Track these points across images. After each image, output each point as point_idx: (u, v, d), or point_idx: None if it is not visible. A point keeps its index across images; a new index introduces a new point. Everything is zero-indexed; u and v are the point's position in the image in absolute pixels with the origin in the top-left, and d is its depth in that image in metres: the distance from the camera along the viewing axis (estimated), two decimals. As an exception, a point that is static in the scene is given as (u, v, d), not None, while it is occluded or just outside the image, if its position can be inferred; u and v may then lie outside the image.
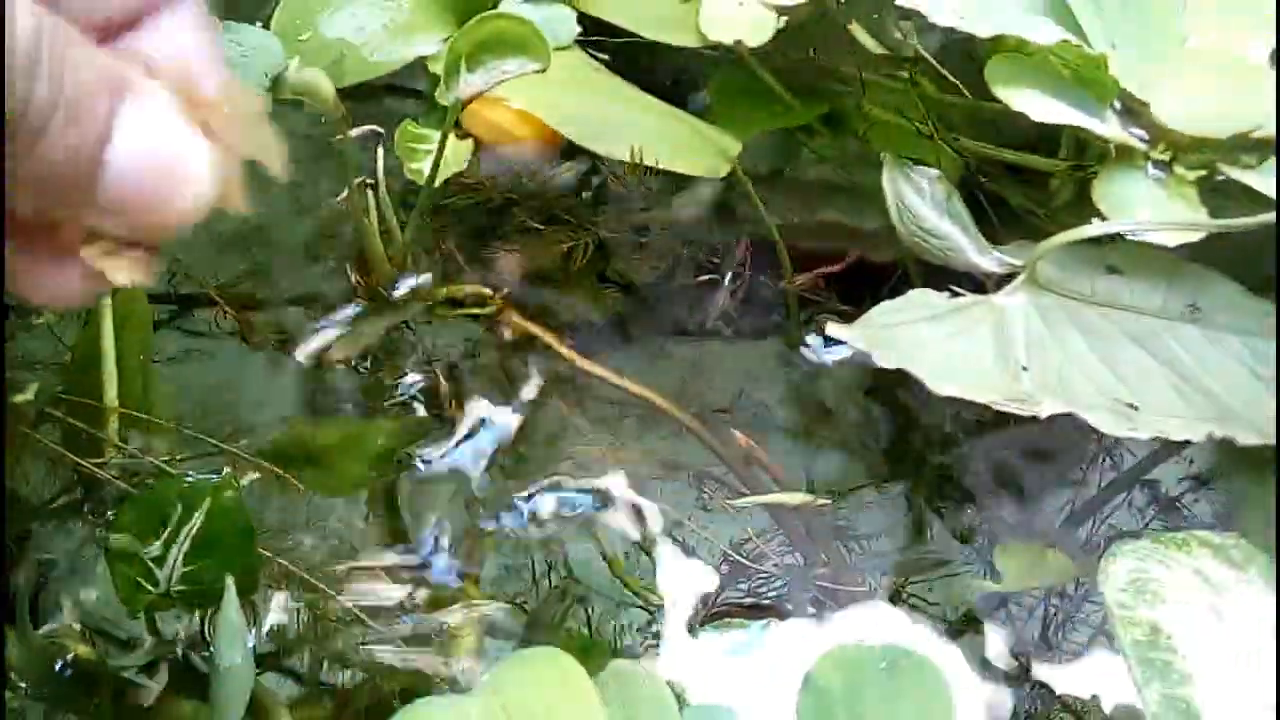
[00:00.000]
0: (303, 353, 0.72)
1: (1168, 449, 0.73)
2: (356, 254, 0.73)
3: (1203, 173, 0.75)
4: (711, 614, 0.61)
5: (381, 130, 0.74)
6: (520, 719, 0.50)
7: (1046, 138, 0.81)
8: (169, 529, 0.60)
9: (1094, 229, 0.69)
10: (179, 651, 0.64)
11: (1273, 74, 0.75)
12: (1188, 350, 0.69)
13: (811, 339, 0.74)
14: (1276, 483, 0.62)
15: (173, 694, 0.63)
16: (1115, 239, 0.74)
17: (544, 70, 0.66)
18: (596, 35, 0.85)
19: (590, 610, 0.64)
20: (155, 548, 0.60)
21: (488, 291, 0.73)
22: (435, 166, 0.68)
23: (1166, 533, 0.53)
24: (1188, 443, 0.68)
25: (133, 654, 0.63)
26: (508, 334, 0.73)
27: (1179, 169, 0.75)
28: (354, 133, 0.68)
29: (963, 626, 0.63)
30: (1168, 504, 0.71)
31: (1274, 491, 0.57)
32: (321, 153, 0.82)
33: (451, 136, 0.79)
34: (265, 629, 0.64)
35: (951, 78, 0.84)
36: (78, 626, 0.63)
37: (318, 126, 0.83)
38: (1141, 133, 0.77)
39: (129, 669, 0.62)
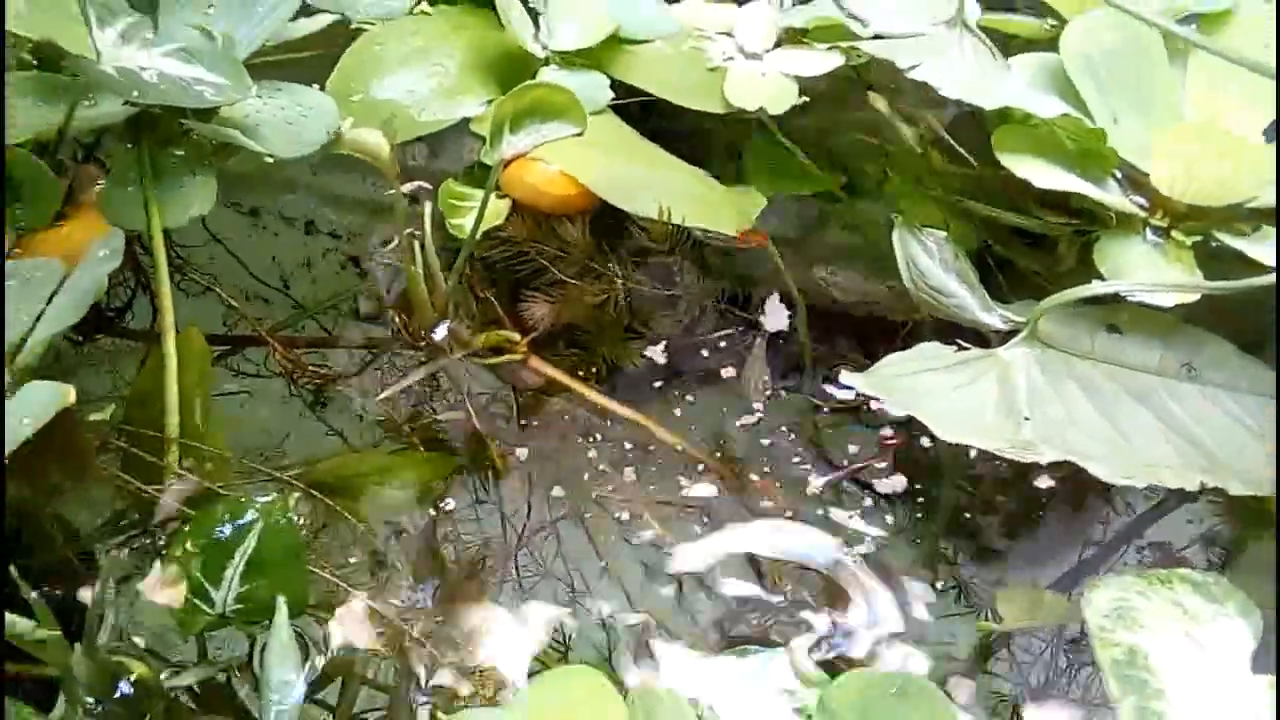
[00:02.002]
0: (347, 390, 0.77)
1: (1170, 503, 0.76)
2: (401, 299, 0.78)
3: (1199, 239, 0.79)
4: (729, 641, 0.65)
5: (429, 186, 0.79)
6: (553, 729, 0.54)
7: (1053, 206, 0.86)
8: (224, 551, 0.64)
9: (1094, 288, 0.73)
10: (225, 676, 0.68)
11: (1270, 149, 0.80)
12: (1183, 406, 0.74)
13: (829, 387, 0.78)
14: (1277, 502, 0.65)
15: (215, 717, 0.66)
16: (1115, 300, 0.79)
17: (581, 134, 0.71)
18: (628, 99, 0.90)
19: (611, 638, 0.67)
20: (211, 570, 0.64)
21: (517, 337, 0.78)
22: (478, 220, 0.73)
23: (1151, 570, 0.57)
24: (1191, 498, 0.73)
25: (183, 675, 0.66)
26: (535, 379, 0.77)
27: (1176, 235, 0.80)
28: (405, 188, 0.73)
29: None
30: (1169, 557, 0.74)
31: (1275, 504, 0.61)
32: (369, 208, 0.88)
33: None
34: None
35: (960, 148, 0.89)
36: (140, 644, 0.66)
37: (366, 184, 0.90)
38: (1141, 200, 0.82)
39: (178, 690, 0.66)
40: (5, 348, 0.69)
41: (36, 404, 0.65)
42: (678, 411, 0.79)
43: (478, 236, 0.78)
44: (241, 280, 0.87)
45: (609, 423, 0.77)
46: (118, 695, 0.61)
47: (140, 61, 0.79)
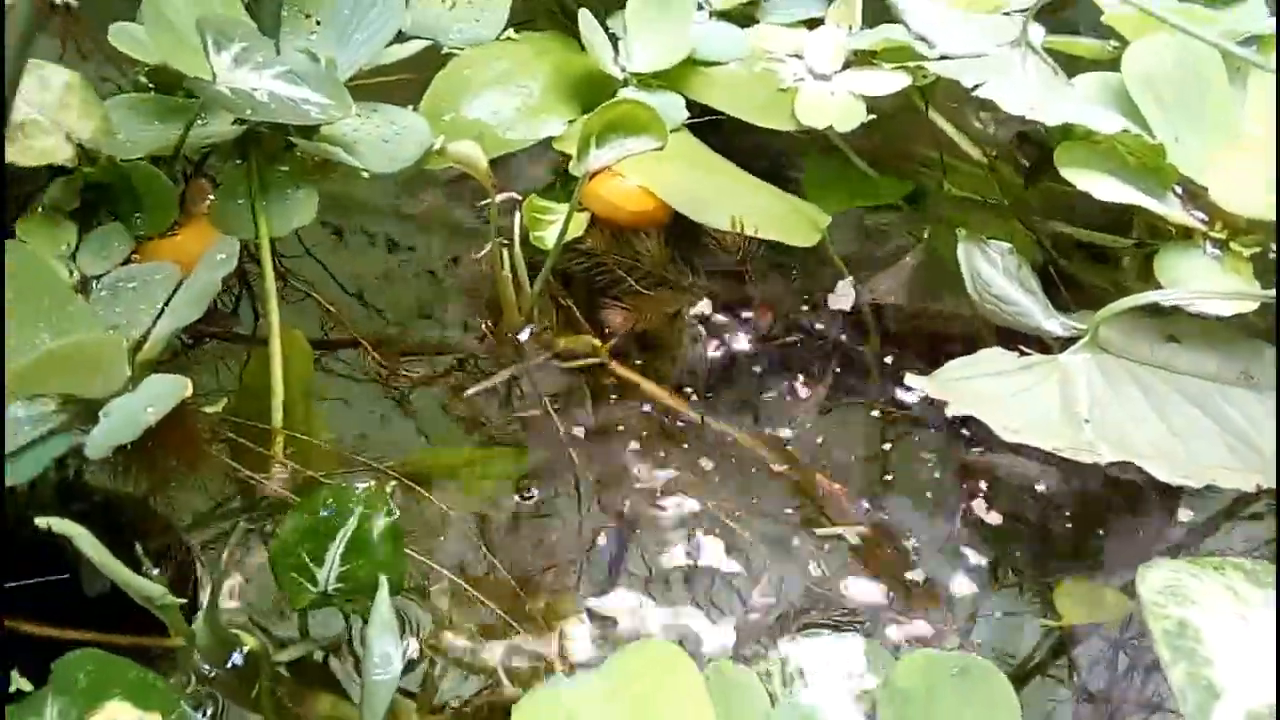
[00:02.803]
0: (435, 391, 0.82)
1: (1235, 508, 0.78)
2: (490, 304, 0.83)
3: (1257, 250, 0.82)
4: (803, 624, 0.69)
5: (520, 197, 0.84)
6: (634, 699, 0.58)
7: (1117, 222, 0.88)
8: (326, 532, 0.69)
9: (1153, 295, 0.76)
10: (324, 654, 0.72)
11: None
12: (1240, 411, 0.76)
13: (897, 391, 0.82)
14: (1277, 503, 0.67)
15: (315, 690, 0.71)
16: (1174, 312, 0.81)
17: (662, 148, 0.76)
18: (702, 117, 0.95)
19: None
20: (314, 549, 0.68)
21: (597, 342, 0.82)
22: (564, 229, 0.77)
23: (1205, 557, 0.59)
24: (1252, 501, 0.75)
25: (288, 650, 0.71)
26: (613, 380, 0.82)
27: (1235, 247, 0.82)
28: (498, 198, 0.78)
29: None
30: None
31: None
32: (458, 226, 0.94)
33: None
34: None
35: (1026, 163, 0.92)
36: (252, 622, 0.71)
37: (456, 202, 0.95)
38: (1201, 214, 0.85)
39: (282, 665, 0.71)
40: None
41: (158, 395, 0.71)
42: (747, 415, 0.83)
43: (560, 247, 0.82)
44: (336, 293, 0.92)
45: (682, 426, 0.81)
46: (230, 665, 0.66)
47: (252, 83, 0.85)
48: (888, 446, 0.80)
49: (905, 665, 0.60)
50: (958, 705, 0.58)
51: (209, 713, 0.66)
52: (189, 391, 0.72)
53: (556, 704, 0.57)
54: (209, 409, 0.77)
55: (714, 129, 0.96)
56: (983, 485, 0.77)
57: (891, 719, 0.59)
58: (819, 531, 0.74)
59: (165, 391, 0.71)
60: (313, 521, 0.69)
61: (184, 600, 0.64)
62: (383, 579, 0.65)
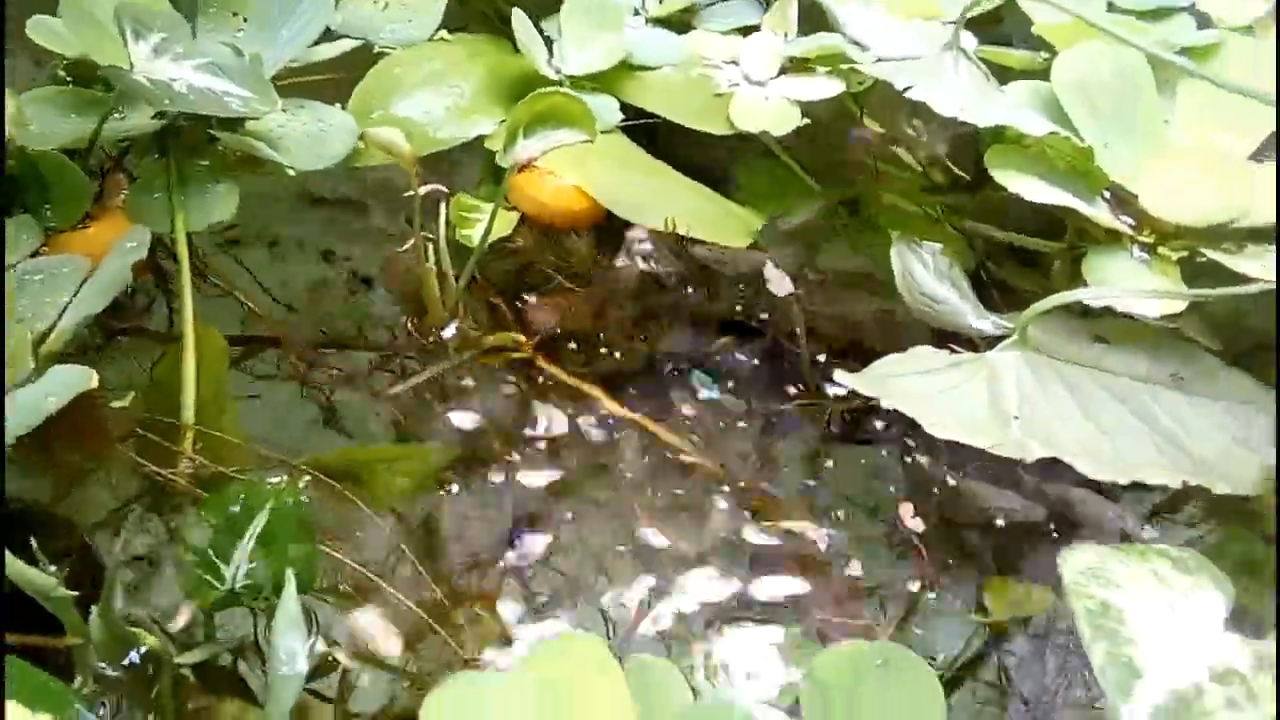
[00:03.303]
0: (358, 390, 0.80)
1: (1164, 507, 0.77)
2: (414, 300, 0.81)
3: (1184, 254, 0.82)
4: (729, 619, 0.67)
5: (446, 190, 0.82)
6: (554, 693, 0.55)
7: (1049, 230, 0.88)
8: (235, 529, 0.66)
9: (1080, 293, 0.76)
10: (232, 657, 0.69)
11: (1261, 170, 0.83)
12: (1168, 412, 0.76)
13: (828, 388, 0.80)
14: (1277, 508, 0.66)
15: (222, 693, 0.68)
16: (1103, 313, 0.81)
17: (591, 141, 0.75)
18: (638, 120, 0.94)
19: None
20: (222, 546, 0.66)
21: (523, 339, 0.81)
22: (490, 222, 0.76)
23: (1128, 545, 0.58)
24: (1181, 502, 0.75)
25: (191, 652, 0.68)
26: (540, 377, 0.80)
27: (1163, 251, 0.82)
28: (422, 190, 0.76)
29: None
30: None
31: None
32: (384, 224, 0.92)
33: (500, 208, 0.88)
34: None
35: (958, 170, 0.93)
36: (152, 620, 0.68)
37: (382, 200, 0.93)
38: (1130, 220, 0.85)
39: (186, 666, 0.68)
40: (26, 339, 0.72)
41: (60, 385, 0.68)
42: (677, 414, 0.81)
43: (488, 243, 0.81)
44: (257, 291, 0.89)
45: (611, 422, 0.79)
46: (128, 663, 0.63)
47: (171, 73, 0.83)
48: (818, 445, 0.79)
49: (827, 657, 0.59)
50: (881, 696, 0.57)
51: (104, 714, 0.63)
52: (94, 383, 0.69)
53: (468, 699, 0.55)
54: (117, 404, 0.75)
55: (650, 134, 0.96)
56: (916, 485, 0.76)
57: (814, 712, 0.58)
58: (747, 528, 0.73)
59: (67, 381, 0.68)
60: (221, 517, 0.67)
61: (78, 594, 0.61)
62: (289, 574, 0.63)
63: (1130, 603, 0.51)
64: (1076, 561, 0.54)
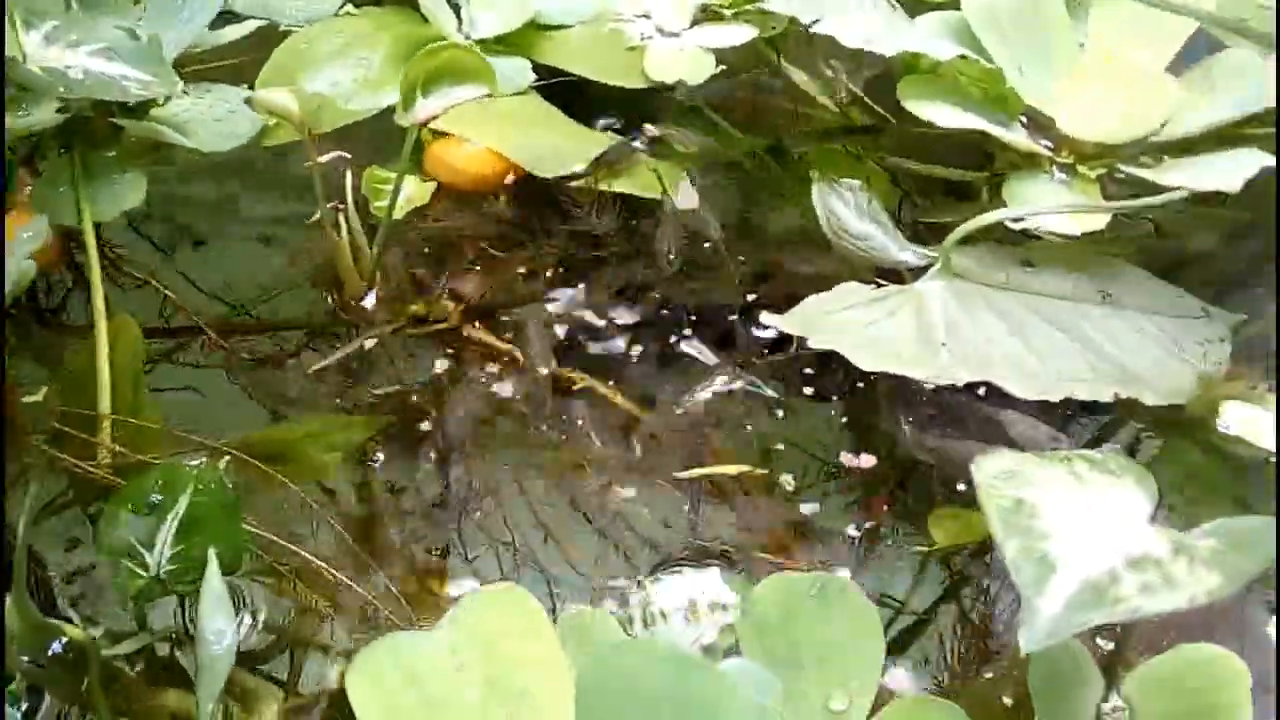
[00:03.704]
0: (281, 366, 0.78)
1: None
2: (328, 270, 0.80)
3: (1104, 172, 0.82)
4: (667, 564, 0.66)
5: (349, 155, 0.80)
6: (481, 648, 0.54)
7: (974, 162, 0.88)
8: (156, 514, 0.64)
9: (999, 213, 0.75)
10: (167, 648, 0.68)
11: (1169, 79, 0.83)
12: (1097, 328, 0.75)
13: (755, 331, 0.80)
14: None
15: (158, 684, 0.66)
16: (1027, 238, 0.81)
17: (491, 95, 0.73)
18: (551, 79, 0.93)
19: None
20: (144, 533, 0.64)
21: (449, 305, 0.79)
22: (398, 186, 0.75)
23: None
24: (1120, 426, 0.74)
25: (122, 643, 0.66)
26: (467, 344, 0.79)
27: (1082, 170, 0.82)
28: (322, 159, 0.74)
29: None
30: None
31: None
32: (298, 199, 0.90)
33: (415, 178, 0.87)
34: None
35: (878, 108, 0.92)
36: (72, 613, 0.67)
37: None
38: (1048, 143, 0.84)
39: (118, 657, 0.66)
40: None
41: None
42: (612, 373, 0.80)
43: (404, 212, 0.79)
44: (176, 280, 0.87)
45: (538, 384, 0.78)
46: (51, 654, 0.61)
47: (66, 60, 0.80)
48: (751, 391, 0.78)
49: (761, 590, 0.58)
50: (817, 625, 0.56)
51: (26, 707, 0.61)
52: (-1, 375, 0.67)
53: (395, 659, 0.54)
54: (29, 398, 0.73)
55: (568, 98, 0.94)
56: (853, 425, 0.76)
57: (753, 647, 0.57)
58: (685, 475, 0.72)
59: (-29, 376, 0.66)
60: (141, 504, 0.65)
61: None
62: (211, 552, 0.61)
63: (1045, 499, 0.51)
64: (991, 466, 0.53)
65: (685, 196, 0.84)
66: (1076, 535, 0.49)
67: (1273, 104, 0.80)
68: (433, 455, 0.74)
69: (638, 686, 0.48)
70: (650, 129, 0.91)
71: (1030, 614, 0.46)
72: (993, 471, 0.52)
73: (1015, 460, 0.54)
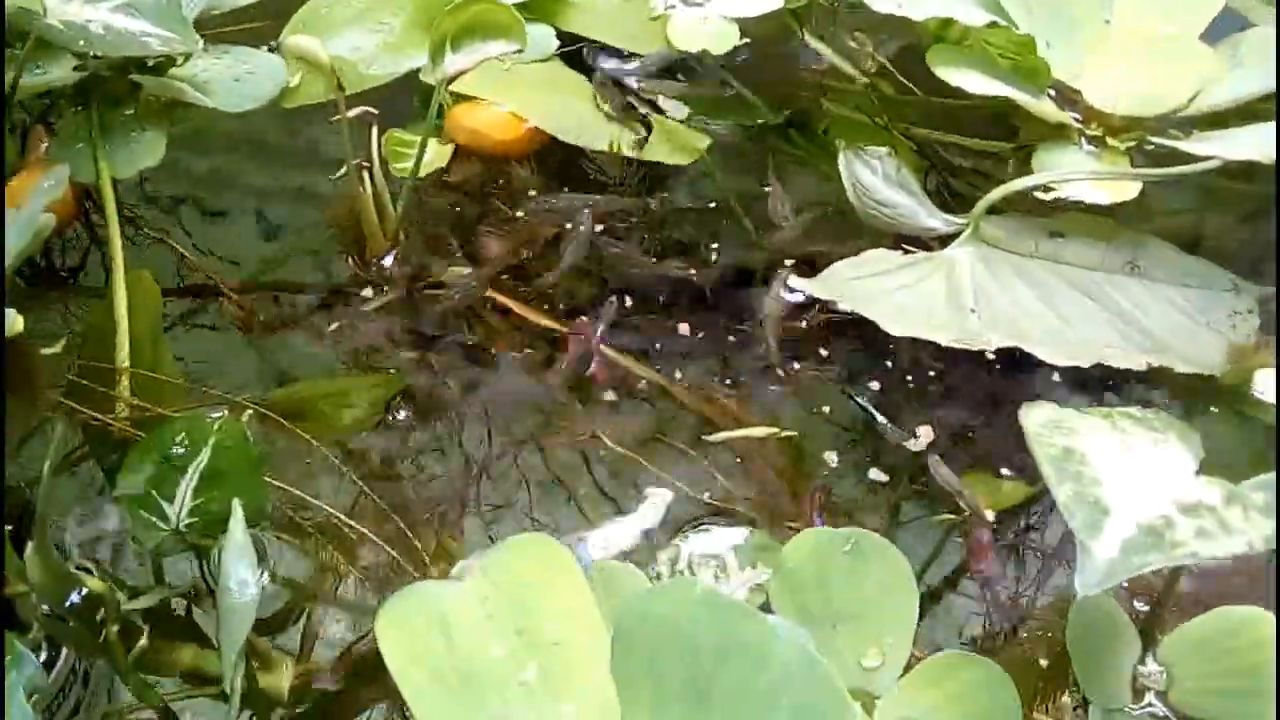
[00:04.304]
0: (303, 328, 0.77)
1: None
2: (352, 228, 0.79)
3: (1133, 144, 0.81)
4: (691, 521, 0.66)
5: (375, 111, 0.79)
6: (510, 598, 0.53)
7: (1000, 134, 0.87)
8: (177, 466, 0.63)
9: (1031, 179, 0.74)
10: (185, 603, 0.67)
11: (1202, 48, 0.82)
12: (1127, 298, 0.75)
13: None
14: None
15: (176, 639, 0.66)
16: (1056, 209, 0.80)
17: (522, 51, 0.72)
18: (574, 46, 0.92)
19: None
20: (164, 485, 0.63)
21: (469, 267, 0.78)
22: (423, 145, 0.74)
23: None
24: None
25: (140, 597, 0.65)
26: (490, 307, 0.78)
27: (1111, 142, 0.81)
28: (351, 113, 0.73)
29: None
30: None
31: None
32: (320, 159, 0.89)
33: (434, 141, 0.86)
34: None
35: (904, 79, 0.91)
36: (92, 567, 0.66)
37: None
38: (1076, 115, 0.84)
39: (136, 611, 0.65)
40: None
41: (-17, 328, 0.65)
42: (630, 341, 0.79)
43: (424, 174, 0.78)
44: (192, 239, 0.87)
45: (558, 347, 0.77)
46: (69, 605, 0.60)
47: (87, 15, 0.80)
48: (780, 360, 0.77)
49: (795, 546, 0.57)
50: (851, 581, 0.55)
51: (47, 656, 0.60)
52: (19, 327, 0.66)
53: (424, 607, 0.53)
54: (48, 350, 0.72)
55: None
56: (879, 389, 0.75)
57: (785, 603, 0.56)
58: (711, 438, 0.71)
59: (-10, 324, 0.65)
60: (162, 456, 0.64)
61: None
62: (236, 503, 0.60)
63: (1093, 448, 0.50)
64: (1037, 416, 0.52)
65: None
66: (1127, 482, 0.48)
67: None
68: (453, 415, 0.73)
69: (675, 633, 0.47)
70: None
71: (1085, 557, 0.45)
72: (1040, 420, 0.51)
73: (1059, 412, 0.54)
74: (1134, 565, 0.45)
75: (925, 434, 0.71)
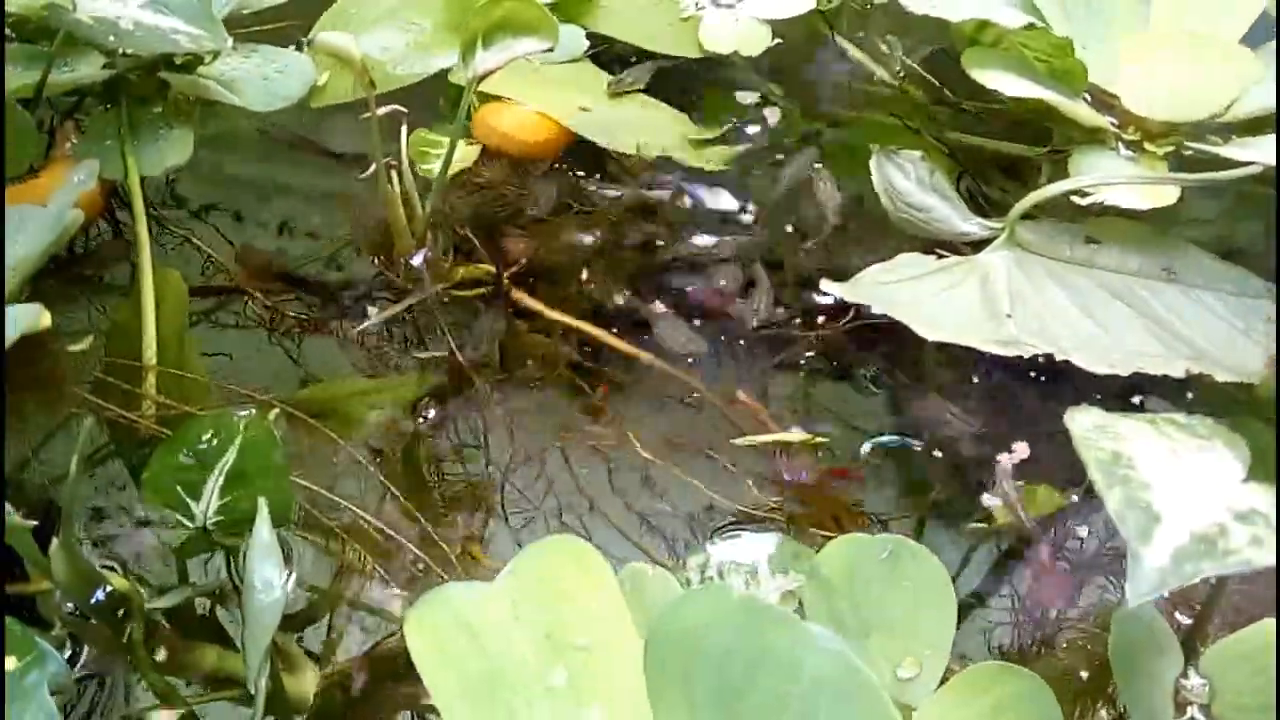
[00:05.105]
0: (325, 326, 0.77)
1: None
2: (379, 227, 0.78)
3: (1171, 149, 0.80)
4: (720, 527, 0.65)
5: (405, 110, 0.79)
6: (540, 601, 0.53)
7: (1032, 139, 0.86)
8: (205, 465, 0.63)
9: (1070, 183, 0.73)
10: (210, 603, 0.66)
11: (1243, 51, 0.81)
12: (1164, 305, 0.73)
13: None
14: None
15: (199, 642, 0.65)
16: (1092, 215, 0.79)
17: (553, 49, 0.72)
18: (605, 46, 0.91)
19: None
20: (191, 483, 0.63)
21: (496, 268, 0.78)
22: (452, 146, 0.73)
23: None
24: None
25: (164, 596, 0.64)
26: (515, 309, 0.77)
27: (1149, 148, 0.80)
28: (380, 111, 0.73)
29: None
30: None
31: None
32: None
33: (462, 141, 0.85)
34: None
35: (936, 83, 0.90)
36: (116, 566, 0.65)
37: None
38: (1112, 120, 0.83)
39: (159, 612, 0.64)
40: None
41: (10, 323, 0.65)
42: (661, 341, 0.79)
43: (449, 175, 0.78)
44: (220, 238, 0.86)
45: (589, 350, 0.77)
46: (94, 602, 0.60)
47: (116, 11, 0.79)
48: (805, 362, 0.77)
49: (830, 551, 0.56)
50: (887, 589, 0.54)
51: (71, 654, 0.60)
52: (46, 321, 0.65)
53: (452, 609, 0.52)
54: (74, 347, 0.71)
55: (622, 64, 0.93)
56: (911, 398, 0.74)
57: (818, 611, 0.55)
58: (739, 442, 0.70)
59: (17, 319, 0.65)
60: (189, 454, 0.64)
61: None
62: (262, 502, 0.59)
63: (1141, 453, 0.49)
64: (1083, 420, 0.51)
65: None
66: (1178, 488, 0.47)
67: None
68: (480, 417, 0.72)
69: (711, 639, 0.46)
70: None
71: (1136, 565, 0.44)
72: (1086, 425, 0.50)
73: (1103, 417, 0.52)
74: (1186, 574, 0.44)
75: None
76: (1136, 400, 0.72)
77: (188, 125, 0.85)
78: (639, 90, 0.89)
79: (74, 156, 0.82)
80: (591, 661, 0.51)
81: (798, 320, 0.78)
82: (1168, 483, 0.47)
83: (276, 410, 0.67)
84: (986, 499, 0.67)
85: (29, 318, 0.65)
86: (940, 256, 0.76)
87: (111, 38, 0.78)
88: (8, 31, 0.89)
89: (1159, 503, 0.46)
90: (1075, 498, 0.67)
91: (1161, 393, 0.73)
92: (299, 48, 0.90)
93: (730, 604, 0.46)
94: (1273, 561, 0.44)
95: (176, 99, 0.86)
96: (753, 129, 0.89)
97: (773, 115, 0.90)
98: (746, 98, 0.91)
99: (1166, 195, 0.76)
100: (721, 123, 0.88)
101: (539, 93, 0.85)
